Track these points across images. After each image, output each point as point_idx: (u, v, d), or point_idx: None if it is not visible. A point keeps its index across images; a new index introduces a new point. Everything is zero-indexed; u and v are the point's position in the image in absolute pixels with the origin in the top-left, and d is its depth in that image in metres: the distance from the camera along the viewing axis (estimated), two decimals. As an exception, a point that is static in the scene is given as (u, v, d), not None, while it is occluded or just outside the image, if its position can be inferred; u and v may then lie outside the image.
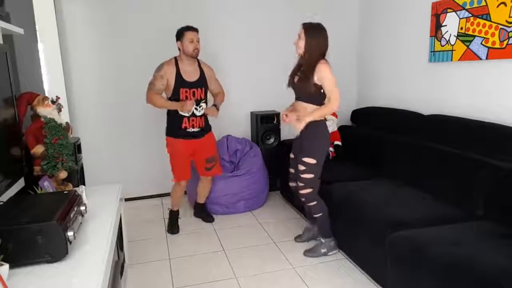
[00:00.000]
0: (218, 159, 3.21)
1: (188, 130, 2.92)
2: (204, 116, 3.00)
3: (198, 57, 2.95)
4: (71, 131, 2.17)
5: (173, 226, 3.15)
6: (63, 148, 1.90)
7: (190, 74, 2.90)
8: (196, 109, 2.90)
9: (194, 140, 2.97)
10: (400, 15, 3.46)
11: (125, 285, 2.17)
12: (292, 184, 2.79)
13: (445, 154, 2.56)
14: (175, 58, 2.91)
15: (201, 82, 2.94)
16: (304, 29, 2.44)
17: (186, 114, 2.88)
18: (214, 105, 3.03)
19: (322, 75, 2.40)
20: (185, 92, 2.86)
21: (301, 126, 2.43)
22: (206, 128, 3.05)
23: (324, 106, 2.45)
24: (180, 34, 2.85)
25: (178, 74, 2.85)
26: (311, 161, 2.49)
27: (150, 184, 3.83)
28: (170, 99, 2.91)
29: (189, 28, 2.85)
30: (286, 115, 2.57)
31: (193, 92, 2.89)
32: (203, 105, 2.96)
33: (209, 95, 3.07)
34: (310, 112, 2.46)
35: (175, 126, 2.93)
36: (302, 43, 2.44)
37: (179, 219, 3.21)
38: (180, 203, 3.22)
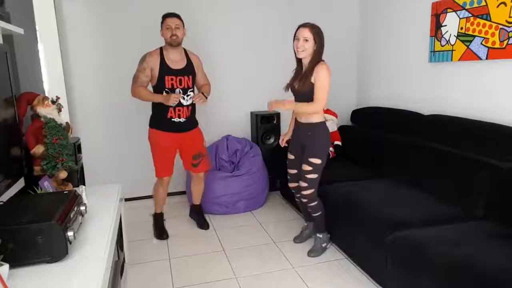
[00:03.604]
0: (205, 155, 3.06)
1: (173, 120, 2.78)
2: (191, 106, 2.84)
3: (187, 48, 2.85)
4: (71, 131, 2.17)
5: (160, 231, 3.03)
6: (63, 148, 1.90)
7: (176, 62, 2.76)
8: (183, 97, 2.75)
9: (180, 134, 2.83)
10: (400, 15, 3.46)
11: (125, 285, 2.17)
12: (292, 185, 2.78)
13: (445, 154, 2.56)
14: (161, 47, 2.79)
15: (188, 70, 2.80)
16: (313, 33, 2.38)
17: (172, 105, 2.72)
18: (202, 93, 2.84)
19: (319, 77, 2.38)
20: (171, 79, 2.72)
21: (277, 106, 2.44)
22: (193, 121, 2.90)
23: (309, 104, 2.44)
24: (161, 22, 2.73)
25: (163, 62, 2.72)
26: (317, 161, 2.49)
27: (150, 184, 3.80)
28: (155, 87, 2.79)
29: (167, 15, 2.71)
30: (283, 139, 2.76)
31: (180, 80, 2.74)
32: (191, 93, 2.81)
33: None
34: (291, 101, 2.49)
35: (160, 116, 2.78)
36: (309, 46, 2.39)
37: (164, 222, 3.10)
38: (164, 205, 3.11)
